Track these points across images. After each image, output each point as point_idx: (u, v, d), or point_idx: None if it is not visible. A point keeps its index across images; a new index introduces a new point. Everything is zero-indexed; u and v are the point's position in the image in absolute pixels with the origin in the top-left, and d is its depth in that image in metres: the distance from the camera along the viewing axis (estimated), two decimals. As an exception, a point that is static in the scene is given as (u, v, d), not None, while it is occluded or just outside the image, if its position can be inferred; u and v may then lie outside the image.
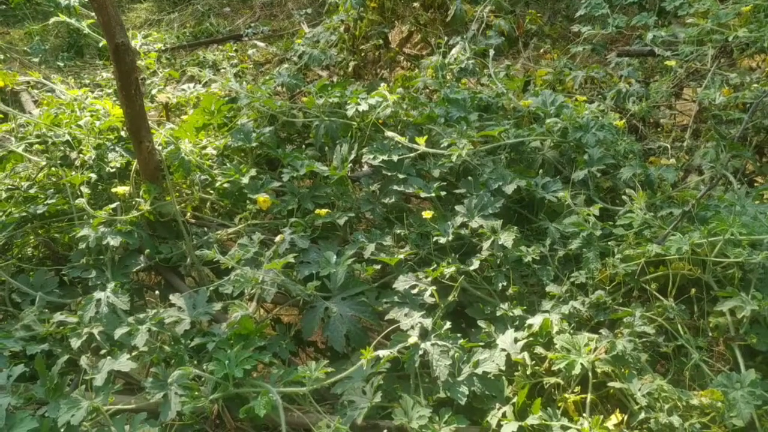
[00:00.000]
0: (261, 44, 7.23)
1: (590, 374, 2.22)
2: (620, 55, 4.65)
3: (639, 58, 4.64)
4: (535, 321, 2.42)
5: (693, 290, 2.46)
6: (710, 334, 2.45)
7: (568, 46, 5.40)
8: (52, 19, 4.99)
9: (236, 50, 7.01)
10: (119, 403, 2.35)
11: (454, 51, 4.94)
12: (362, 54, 6.24)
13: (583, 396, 2.22)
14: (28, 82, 4.23)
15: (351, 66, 6.10)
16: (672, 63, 4.06)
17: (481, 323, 2.57)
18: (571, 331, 2.39)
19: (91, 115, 3.34)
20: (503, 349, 2.40)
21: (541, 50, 5.50)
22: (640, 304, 2.53)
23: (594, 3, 5.26)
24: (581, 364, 2.20)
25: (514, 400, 2.29)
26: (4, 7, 8.08)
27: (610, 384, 2.20)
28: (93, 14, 6.53)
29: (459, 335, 2.49)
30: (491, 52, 4.35)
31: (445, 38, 4.98)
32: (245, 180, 3.08)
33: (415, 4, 5.99)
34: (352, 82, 5.15)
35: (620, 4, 5.23)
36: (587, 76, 4.35)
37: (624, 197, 2.85)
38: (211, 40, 7.68)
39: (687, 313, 2.45)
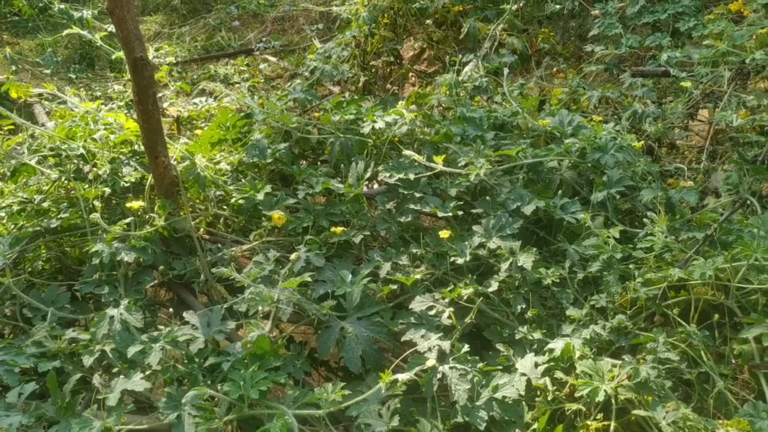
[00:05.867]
0: (272, 59, 7.25)
1: (613, 401, 2.18)
2: (634, 75, 4.63)
3: (653, 78, 4.62)
4: (557, 345, 2.38)
5: (716, 316, 2.41)
6: (734, 361, 2.40)
7: (580, 65, 5.39)
8: (66, 31, 5.01)
9: (247, 64, 7.03)
10: (131, 423, 2.30)
11: (467, 68, 4.94)
12: (373, 70, 6.25)
13: (605, 423, 2.17)
14: (41, 94, 4.22)
15: (362, 82, 6.11)
16: (688, 84, 4.04)
17: (500, 346, 2.53)
18: (593, 357, 2.34)
19: (106, 129, 3.31)
20: (523, 374, 2.36)
21: (554, 69, 5.49)
22: (661, 329, 2.48)
23: (607, 23, 5.26)
24: (604, 390, 2.15)
25: (535, 426, 2.25)
26: (16, 18, 8.11)
27: (634, 412, 2.15)
28: (105, 27, 6.56)
29: (477, 358, 2.45)
30: (506, 70, 4.33)
31: (459, 56, 4.97)
32: (260, 196, 3.06)
33: (428, 21, 6.01)
34: (365, 99, 5.14)
35: (633, 24, 5.22)
36: (602, 96, 4.33)
37: (645, 220, 2.81)
38: (222, 54, 7.70)
39: (710, 339, 2.40)
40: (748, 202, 2.98)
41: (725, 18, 4.29)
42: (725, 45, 3.92)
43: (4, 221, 3.13)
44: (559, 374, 2.32)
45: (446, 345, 2.46)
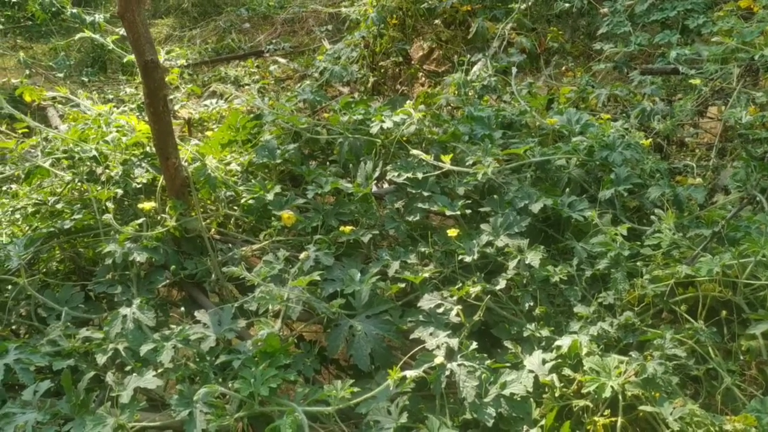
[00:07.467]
0: (282, 60, 7.29)
1: (620, 397, 2.19)
2: (643, 73, 4.62)
3: (662, 76, 4.61)
4: (564, 342, 2.39)
5: (724, 312, 2.42)
6: (741, 357, 2.41)
7: (589, 63, 5.39)
8: (78, 35, 5.06)
9: (258, 66, 7.07)
10: (144, 421, 2.34)
11: (476, 68, 4.95)
12: (382, 70, 6.27)
13: (612, 419, 2.18)
14: (54, 98, 4.28)
15: (371, 82, 6.13)
16: (697, 81, 4.03)
17: (508, 344, 2.55)
18: (600, 353, 2.35)
19: (118, 131, 3.36)
20: (531, 371, 2.37)
21: (563, 68, 5.49)
22: (669, 326, 2.49)
23: (616, 21, 5.26)
24: (611, 387, 2.16)
25: (542, 422, 2.26)
26: (30, 23, 8.21)
27: (641, 408, 2.16)
28: (117, 30, 6.63)
29: (485, 356, 2.47)
30: (514, 69, 4.34)
31: (467, 55, 4.98)
32: (270, 196, 3.09)
33: (437, 21, 6.02)
34: (374, 99, 5.16)
35: (642, 22, 5.21)
36: (610, 94, 4.33)
37: (652, 217, 2.82)
38: (232, 56, 7.75)
39: (717, 336, 2.41)
40: (757, 198, 2.98)
41: (734, 15, 4.28)
42: (734, 42, 3.91)
43: (19, 223, 3.19)
44: (566, 371, 2.33)
45: (454, 342, 2.48)
